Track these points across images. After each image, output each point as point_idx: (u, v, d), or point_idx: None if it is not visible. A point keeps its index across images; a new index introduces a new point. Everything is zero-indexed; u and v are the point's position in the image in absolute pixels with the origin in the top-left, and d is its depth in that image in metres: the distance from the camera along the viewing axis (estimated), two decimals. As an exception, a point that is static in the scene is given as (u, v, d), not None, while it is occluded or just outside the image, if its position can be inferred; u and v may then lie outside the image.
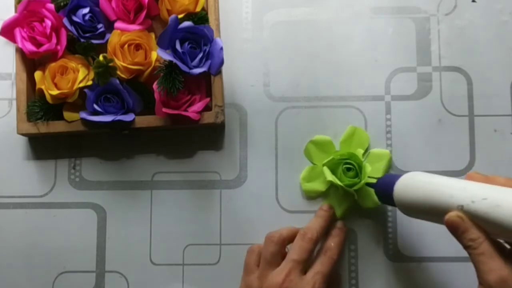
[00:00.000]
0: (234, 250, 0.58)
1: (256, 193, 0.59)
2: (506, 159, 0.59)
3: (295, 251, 0.52)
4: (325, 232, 0.56)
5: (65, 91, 0.56)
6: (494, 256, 0.41)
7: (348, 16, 0.62)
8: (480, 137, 0.59)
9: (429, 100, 0.60)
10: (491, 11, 0.61)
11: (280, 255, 0.53)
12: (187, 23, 0.55)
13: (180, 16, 0.57)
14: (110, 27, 0.59)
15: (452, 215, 0.43)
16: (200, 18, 0.58)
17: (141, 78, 0.58)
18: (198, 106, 0.57)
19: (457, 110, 0.60)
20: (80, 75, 0.57)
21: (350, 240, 0.58)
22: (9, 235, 0.60)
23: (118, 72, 0.56)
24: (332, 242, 0.55)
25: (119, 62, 0.56)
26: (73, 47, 0.58)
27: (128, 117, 0.57)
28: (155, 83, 0.56)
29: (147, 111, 0.58)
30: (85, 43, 0.57)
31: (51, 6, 0.57)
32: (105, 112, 0.57)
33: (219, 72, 0.57)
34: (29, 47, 0.57)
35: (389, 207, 0.58)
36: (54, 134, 0.59)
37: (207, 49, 0.56)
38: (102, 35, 0.59)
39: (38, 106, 0.58)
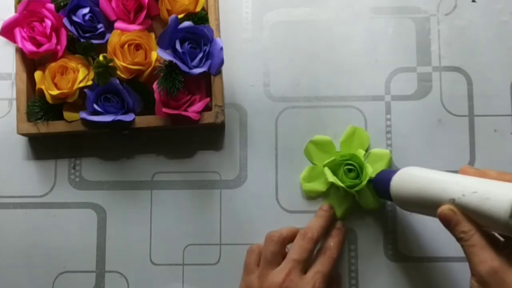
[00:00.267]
0: (234, 250, 0.58)
1: (256, 193, 0.59)
2: (506, 159, 0.59)
3: (295, 251, 0.52)
4: (325, 232, 0.56)
5: (65, 91, 0.56)
6: (485, 247, 0.42)
7: (348, 16, 0.62)
8: (480, 137, 0.59)
9: (429, 100, 0.60)
10: (491, 11, 0.61)
11: (280, 255, 0.53)
12: (187, 23, 0.55)
13: (180, 16, 0.57)
14: (110, 27, 0.59)
15: (444, 208, 0.43)
16: (200, 18, 0.58)
17: (141, 78, 0.58)
18: (198, 106, 0.57)
19: (457, 110, 0.60)
20: (80, 75, 0.57)
21: (350, 240, 0.58)
22: (9, 235, 0.60)
23: (118, 72, 0.56)
24: (332, 242, 0.55)
25: (119, 62, 0.56)
26: (73, 47, 0.58)
27: (128, 117, 0.57)
28: (155, 83, 0.56)
29: (147, 111, 0.58)
30: (85, 43, 0.57)
31: (51, 6, 0.57)
32: (105, 112, 0.57)
33: (219, 72, 0.57)
34: (29, 47, 0.57)
35: (389, 207, 0.58)
36: (54, 134, 0.59)
37: (207, 49, 0.56)
38: (102, 35, 0.59)
39: (38, 106, 0.58)
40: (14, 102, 0.60)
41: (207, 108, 0.58)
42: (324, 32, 0.61)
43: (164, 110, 0.56)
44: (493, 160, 0.59)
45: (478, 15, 0.61)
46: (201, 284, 0.58)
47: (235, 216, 0.59)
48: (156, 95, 0.56)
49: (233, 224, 0.59)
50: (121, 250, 0.59)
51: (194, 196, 0.60)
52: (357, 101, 0.60)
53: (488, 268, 0.41)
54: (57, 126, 0.58)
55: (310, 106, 0.60)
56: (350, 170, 0.56)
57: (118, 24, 0.58)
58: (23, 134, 0.59)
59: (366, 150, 0.59)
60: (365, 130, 0.59)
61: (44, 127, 0.58)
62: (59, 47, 0.58)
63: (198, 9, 0.58)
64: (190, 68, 0.56)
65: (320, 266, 0.52)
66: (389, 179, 0.50)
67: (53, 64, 0.57)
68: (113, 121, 0.56)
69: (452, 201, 0.43)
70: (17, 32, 0.57)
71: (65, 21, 0.57)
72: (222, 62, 0.56)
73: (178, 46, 0.55)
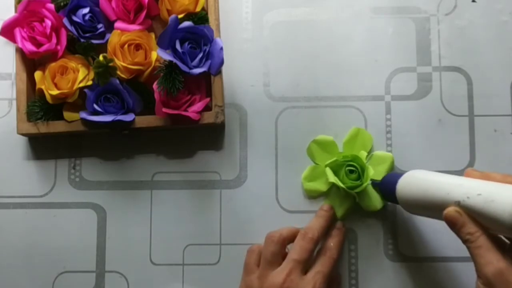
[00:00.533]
0: (234, 250, 0.58)
1: (256, 193, 0.59)
2: (506, 159, 0.59)
3: (295, 251, 0.52)
4: (326, 232, 0.56)
5: (65, 91, 0.56)
6: (491, 249, 0.41)
7: (348, 16, 0.62)
8: (480, 137, 0.59)
9: (429, 100, 0.60)
10: (491, 11, 0.61)
11: (280, 255, 0.53)
12: (187, 23, 0.55)
13: (180, 16, 0.57)
14: (110, 27, 0.59)
15: (450, 210, 0.44)
16: (200, 18, 0.58)
17: (141, 78, 0.58)
18: (198, 106, 0.57)
19: (457, 110, 0.60)
20: (80, 75, 0.57)
21: (350, 240, 0.58)
22: (9, 235, 0.60)
23: (118, 72, 0.56)
24: (332, 242, 0.55)
25: (119, 62, 0.56)
26: (73, 47, 0.58)
27: (128, 117, 0.56)
28: (155, 83, 0.56)
29: (147, 111, 0.58)
30: (85, 43, 0.57)
31: (51, 6, 0.57)
32: (105, 112, 0.57)
33: (219, 72, 0.57)
34: (29, 47, 0.57)
35: (389, 208, 0.58)
36: (54, 134, 0.59)
37: (207, 49, 0.56)
38: (102, 35, 0.59)
39: (38, 106, 0.58)
40: (14, 102, 0.60)
41: (207, 108, 0.58)
42: (324, 32, 0.61)
43: (164, 110, 0.56)
44: (493, 160, 0.59)
45: (478, 15, 0.61)
46: (201, 284, 0.58)
47: (235, 216, 0.59)
48: (156, 95, 0.56)
49: (233, 224, 0.59)
50: (121, 250, 0.59)
51: (194, 196, 0.60)
52: (357, 101, 0.60)
53: (494, 270, 0.40)
54: (57, 126, 0.58)
55: (310, 106, 0.60)
56: (351, 171, 0.56)
57: (118, 24, 0.58)
58: (23, 134, 0.59)
59: (369, 152, 0.59)
60: (365, 130, 0.59)
61: (44, 127, 0.58)
62: (59, 47, 0.58)
63: (198, 9, 0.58)
64: (190, 68, 0.56)
65: (321, 267, 0.52)
66: (395, 182, 0.50)
67: (53, 64, 0.57)
68: (113, 121, 0.56)
69: (458, 204, 0.43)
70: (17, 32, 0.57)
71: (65, 21, 0.57)
72: (222, 62, 0.56)
73: (178, 46, 0.55)
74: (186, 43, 0.56)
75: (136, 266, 0.59)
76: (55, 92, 0.56)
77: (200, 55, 0.56)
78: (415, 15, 0.61)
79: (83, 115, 0.57)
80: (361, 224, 0.58)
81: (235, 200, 0.59)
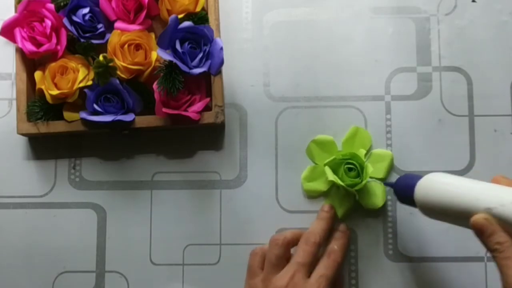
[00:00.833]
0: (234, 250, 0.58)
1: (256, 193, 0.59)
2: (506, 159, 0.59)
3: (299, 255, 0.52)
4: (328, 234, 0.56)
5: (65, 91, 0.56)
6: None
7: (348, 16, 0.62)
8: (480, 137, 0.59)
9: (429, 100, 0.60)
10: (491, 11, 0.61)
11: (284, 258, 0.53)
12: (187, 23, 0.55)
13: (180, 16, 0.57)
14: (110, 27, 0.59)
15: (478, 217, 0.42)
16: (200, 18, 0.58)
17: (141, 78, 0.58)
18: (198, 106, 0.57)
19: (457, 110, 0.60)
20: (80, 75, 0.57)
21: (350, 240, 0.58)
22: (9, 235, 0.60)
23: (118, 72, 0.56)
24: (336, 245, 0.55)
25: (119, 62, 0.56)
26: (73, 47, 0.58)
27: (128, 117, 0.57)
28: (155, 83, 0.56)
29: (147, 111, 0.58)
30: (85, 43, 0.57)
31: (51, 6, 0.57)
32: (105, 112, 0.57)
33: (219, 72, 0.57)
34: (29, 47, 0.57)
35: (389, 207, 0.58)
36: (54, 134, 0.59)
37: (207, 49, 0.56)
38: (102, 35, 0.59)
39: (38, 106, 0.58)
40: (14, 102, 0.60)
41: (207, 108, 0.58)
42: (324, 32, 0.61)
43: (164, 110, 0.56)
44: (493, 160, 0.59)
45: (478, 15, 0.61)
46: (201, 284, 0.58)
47: (235, 216, 0.59)
48: (156, 95, 0.56)
49: (233, 224, 0.59)
50: (121, 250, 0.59)
51: (194, 196, 0.60)
52: (357, 101, 0.60)
53: None
54: (57, 126, 0.58)
55: (310, 106, 0.60)
56: (350, 169, 0.55)
57: (118, 24, 0.58)
58: (23, 134, 0.59)
59: (368, 150, 0.59)
60: (364, 129, 0.59)
61: (44, 127, 0.58)
62: (59, 47, 0.58)
63: (198, 9, 0.58)
64: (190, 68, 0.56)
65: (325, 270, 0.52)
66: (413, 186, 0.47)
67: (53, 64, 0.57)
68: (113, 121, 0.56)
69: (489, 211, 0.42)
70: (17, 32, 0.57)
71: (65, 21, 0.57)
72: (222, 62, 0.56)
73: (178, 46, 0.55)
74: (186, 43, 0.56)
75: (136, 266, 0.59)
76: (55, 92, 0.56)
77: (200, 55, 0.56)
78: (415, 15, 0.61)
79: (83, 115, 0.57)
80: (361, 224, 0.58)
81: (235, 200, 0.59)
